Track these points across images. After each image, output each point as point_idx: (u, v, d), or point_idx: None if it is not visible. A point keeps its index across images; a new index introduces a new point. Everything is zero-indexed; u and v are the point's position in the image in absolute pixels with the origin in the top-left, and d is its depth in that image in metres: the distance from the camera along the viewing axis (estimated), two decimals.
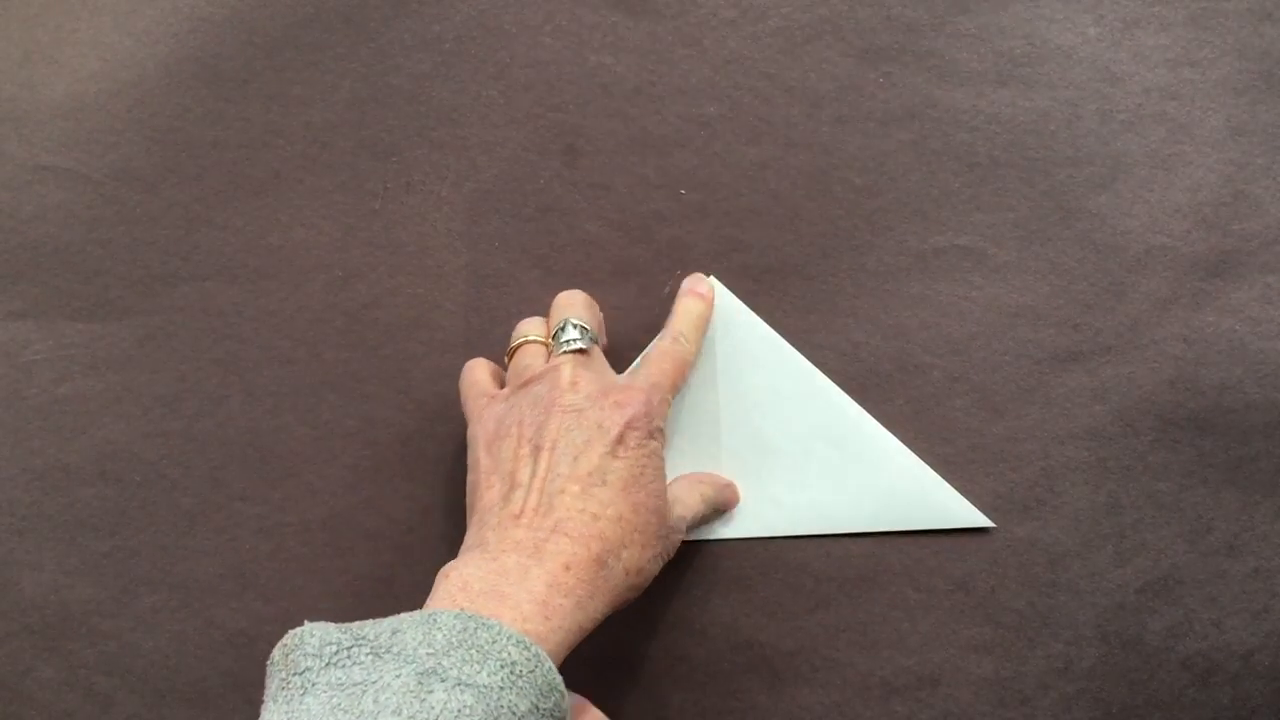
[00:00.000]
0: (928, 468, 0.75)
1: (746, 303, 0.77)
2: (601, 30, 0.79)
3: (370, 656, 0.53)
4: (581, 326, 0.71)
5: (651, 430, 0.67)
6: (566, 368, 0.68)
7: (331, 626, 0.55)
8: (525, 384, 0.69)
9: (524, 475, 0.65)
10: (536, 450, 0.65)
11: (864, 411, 0.76)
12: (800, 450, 0.76)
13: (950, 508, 0.75)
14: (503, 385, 0.73)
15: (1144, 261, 0.77)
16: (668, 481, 0.70)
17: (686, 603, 0.75)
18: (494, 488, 0.66)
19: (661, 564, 0.67)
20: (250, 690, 0.76)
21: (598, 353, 0.71)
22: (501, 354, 0.76)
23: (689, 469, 0.76)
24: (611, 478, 0.64)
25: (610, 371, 0.71)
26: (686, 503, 0.71)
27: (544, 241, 0.78)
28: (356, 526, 0.77)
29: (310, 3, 0.79)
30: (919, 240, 0.78)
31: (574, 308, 0.72)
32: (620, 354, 0.78)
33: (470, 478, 0.68)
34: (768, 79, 0.79)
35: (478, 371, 0.74)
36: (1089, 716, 0.73)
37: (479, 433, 0.69)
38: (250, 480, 0.77)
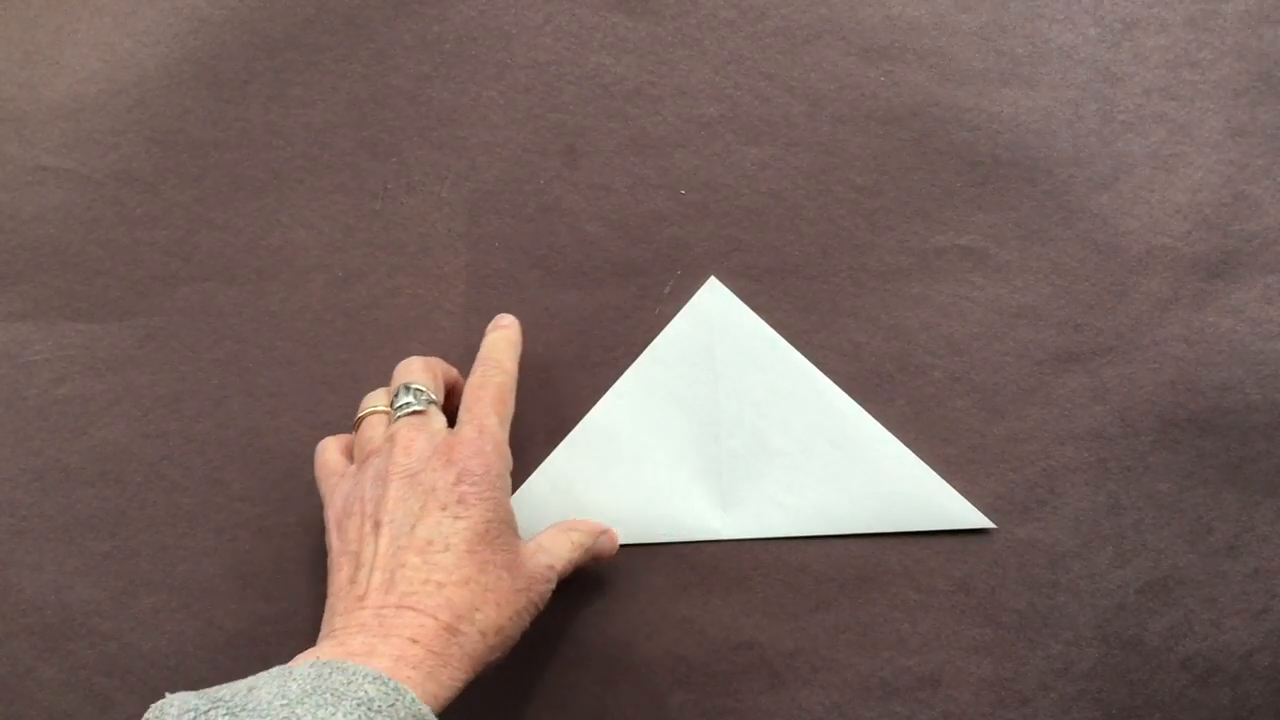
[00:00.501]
0: (928, 468, 0.75)
1: (747, 303, 0.77)
2: (601, 31, 0.79)
3: (227, 718, 0.52)
4: (415, 389, 0.70)
5: (490, 480, 0.65)
6: (401, 433, 0.67)
7: (190, 695, 0.54)
8: (367, 458, 0.68)
9: (368, 553, 0.64)
10: (377, 526, 0.64)
11: (864, 412, 0.76)
12: (800, 450, 0.76)
13: (950, 508, 0.75)
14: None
15: (1145, 262, 0.77)
16: (541, 530, 0.71)
17: (686, 603, 0.75)
18: (343, 569, 0.64)
19: (528, 618, 0.65)
20: None
21: (436, 412, 0.70)
22: None
23: (689, 471, 0.76)
24: (455, 540, 0.63)
25: (444, 429, 0.69)
26: (555, 551, 0.69)
27: (544, 241, 0.78)
28: None
29: (311, 3, 0.79)
30: (920, 240, 0.78)
31: (410, 372, 0.71)
32: (620, 354, 0.78)
33: (327, 561, 0.67)
34: (768, 79, 0.79)
35: (328, 452, 0.72)
36: (1089, 717, 0.73)
37: (329, 514, 0.68)
38: (250, 480, 0.77)
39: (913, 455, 0.76)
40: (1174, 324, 0.76)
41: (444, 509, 0.63)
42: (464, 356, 0.77)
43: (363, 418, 0.71)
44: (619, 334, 0.78)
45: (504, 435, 0.69)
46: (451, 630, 0.60)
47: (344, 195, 0.79)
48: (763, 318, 0.77)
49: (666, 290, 0.78)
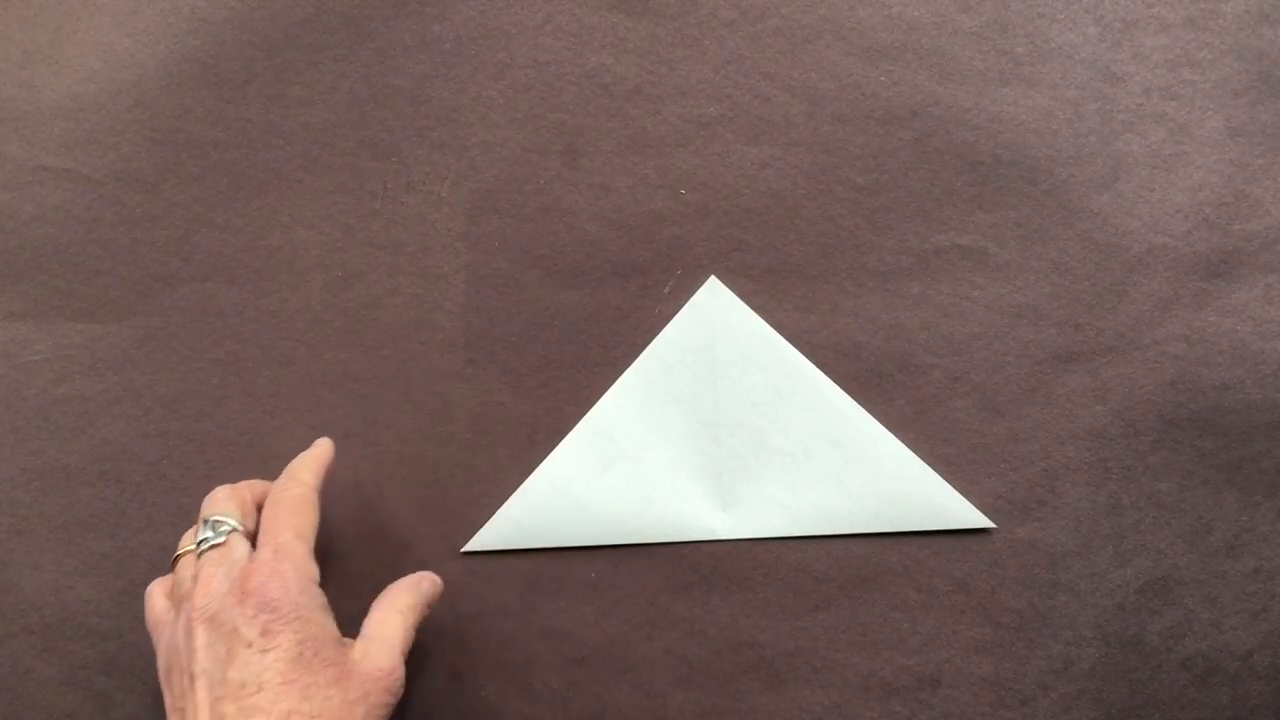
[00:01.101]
0: (928, 468, 0.75)
1: (746, 303, 0.77)
2: (601, 31, 0.79)
3: None
4: (215, 520, 0.66)
5: (291, 601, 0.61)
6: (203, 571, 0.64)
7: None
8: (179, 603, 0.65)
9: (190, 709, 0.60)
10: (192, 679, 0.60)
11: (863, 411, 0.76)
12: (800, 450, 0.76)
13: (950, 508, 0.75)
14: None
15: (1145, 261, 0.77)
16: (360, 631, 0.67)
17: (686, 603, 0.75)
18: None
19: (383, 714, 0.63)
20: None
21: (238, 540, 0.66)
22: (501, 355, 0.77)
23: (689, 470, 0.76)
24: (268, 676, 0.59)
25: (245, 557, 0.65)
26: (388, 638, 0.65)
27: (544, 241, 0.78)
28: (356, 526, 0.77)
29: (310, 3, 0.79)
30: (920, 240, 0.78)
31: (211, 505, 0.68)
32: (620, 354, 0.78)
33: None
34: (768, 78, 0.79)
35: (154, 599, 0.68)
36: (1089, 717, 0.73)
37: (159, 666, 0.64)
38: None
39: (912, 455, 0.76)
40: (1174, 324, 0.76)
41: (249, 646, 0.60)
42: (464, 356, 0.77)
43: (176, 558, 0.68)
44: (619, 334, 0.78)
45: (304, 548, 0.65)
46: None
47: (344, 195, 0.79)
48: (763, 318, 0.77)
49: (666, 290, 0.78)
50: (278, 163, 0.79)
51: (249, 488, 0.70)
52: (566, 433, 0.77)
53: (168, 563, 0.75)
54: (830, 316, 0.77)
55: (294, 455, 0.76)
